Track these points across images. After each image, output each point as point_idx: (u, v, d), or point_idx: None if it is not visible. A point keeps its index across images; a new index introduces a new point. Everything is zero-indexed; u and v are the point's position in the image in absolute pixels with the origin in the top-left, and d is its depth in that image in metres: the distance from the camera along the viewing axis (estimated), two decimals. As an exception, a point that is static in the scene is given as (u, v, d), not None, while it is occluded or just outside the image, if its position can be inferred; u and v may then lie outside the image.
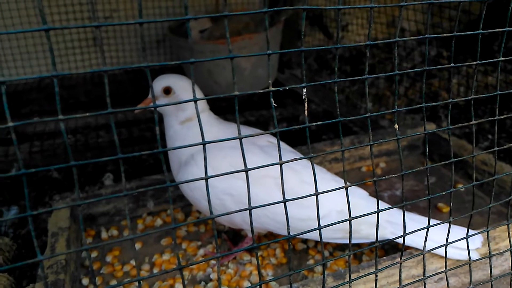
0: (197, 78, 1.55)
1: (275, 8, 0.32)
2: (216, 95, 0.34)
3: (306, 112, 0.36)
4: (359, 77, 0.36)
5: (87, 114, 0.28)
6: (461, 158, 0.50)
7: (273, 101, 0.33)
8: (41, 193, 1.11)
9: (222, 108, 1.46)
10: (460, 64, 0.41)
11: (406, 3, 0.35)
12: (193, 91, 0.31)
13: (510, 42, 1.91)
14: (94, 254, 0.86)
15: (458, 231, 0.72)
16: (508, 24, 0.44)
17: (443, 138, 1.14)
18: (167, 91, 0.79)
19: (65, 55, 1.66)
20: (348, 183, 0.44)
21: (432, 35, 0.37)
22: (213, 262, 0.82)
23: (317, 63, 1.92)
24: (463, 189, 1.01)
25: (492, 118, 0.43)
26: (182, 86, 0.80)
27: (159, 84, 0.80)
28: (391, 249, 0.85)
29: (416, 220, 0.76)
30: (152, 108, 0.32)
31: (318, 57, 1.95)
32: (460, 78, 1.60)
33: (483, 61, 0.42)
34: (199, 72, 1.54)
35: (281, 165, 0.38)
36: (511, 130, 1.37)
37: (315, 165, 0.87)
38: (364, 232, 0.75)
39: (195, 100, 0.31)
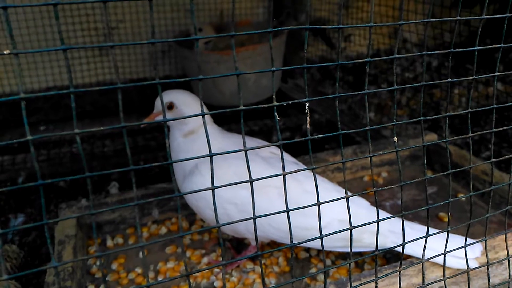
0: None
1: (279, 28, 0.33)
2: (221, 109, 0.36)
3: (308, 125, 0.38)
4: (359, 92, 0.37)
5: (101, 128, 0.29)
6: (460, 169, 0.51)
7: (276, 115, 0.35)
8: (47, 201, 1.13)
9: (226, 117, 1.49)
10: (456, 79, 0.43)
11: (404, 22, 0.36)
12: (201, 106, 0.33)
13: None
14: (99, 262, 0.87)
15: (459, 240, 0.73)
16: (504, 40, 0.46)
17: (445, 148, 1.15)
18: (170, 106, 0.84)
19: (72, 65, 1.68)
20: (349, 193, 0.45)
21: (429, 52, 0.38)
22: (217, 270, 0.83)
23: (320, 73, 1.94)
24: (464, 198, 1.02)
25: (488, 131, 0.44)
26: (183, 101, 0.84)
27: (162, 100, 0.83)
28: (393, 258, 0.86)
29: (417, 230, 0.77)
30: (159, 121, 0.34)
31: (321, 67, 1.97)
32: (462, 89, 1.62)
33: (479, 76, 0.43)
34: (203, 82, 1.56)
35: (284, 175, 0.40)
36: (512, 140, 1.38)
37: (317, 176, 0.89)
38: (366, 241, 0.76)
39: (202, 115, 0.33)
